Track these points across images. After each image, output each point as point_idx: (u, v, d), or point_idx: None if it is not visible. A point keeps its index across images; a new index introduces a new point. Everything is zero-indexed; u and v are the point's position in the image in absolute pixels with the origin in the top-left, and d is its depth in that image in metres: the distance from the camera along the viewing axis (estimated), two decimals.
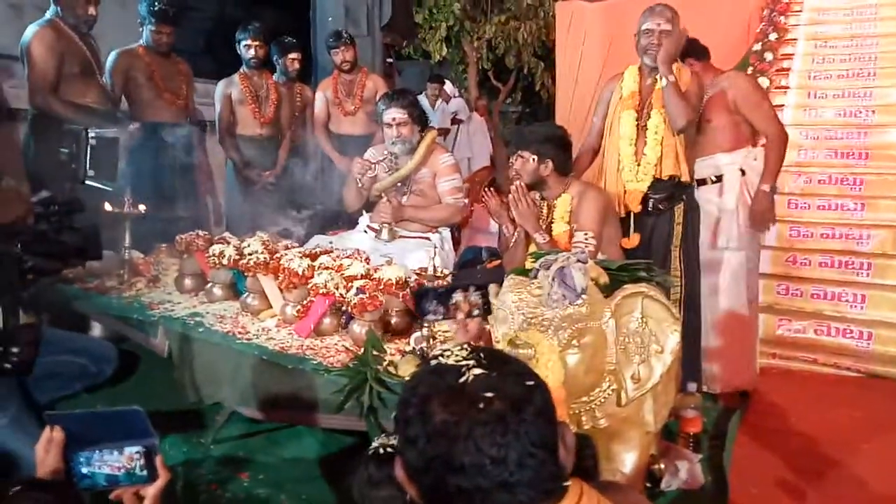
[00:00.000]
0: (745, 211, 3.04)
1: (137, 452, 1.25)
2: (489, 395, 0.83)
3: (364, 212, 3.45)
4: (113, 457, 1.25)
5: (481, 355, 0.89)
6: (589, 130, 3.15)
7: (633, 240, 2.85)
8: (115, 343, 2.84)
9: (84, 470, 1.26)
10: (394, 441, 1.54)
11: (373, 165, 3.19)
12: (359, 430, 2.25)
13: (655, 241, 2.88)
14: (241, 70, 4.14)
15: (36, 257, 2.16)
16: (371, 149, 3.45)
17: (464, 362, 0.87)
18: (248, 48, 4.05)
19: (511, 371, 0.88)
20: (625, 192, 2.87)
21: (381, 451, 1.51)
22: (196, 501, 2.21)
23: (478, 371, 0.85)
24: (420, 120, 3.15)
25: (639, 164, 2.83)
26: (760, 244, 3.24)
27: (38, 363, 2.42)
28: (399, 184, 3.24)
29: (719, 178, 3.04)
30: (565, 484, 0.86)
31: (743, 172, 3.06)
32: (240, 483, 2.30)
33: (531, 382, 0.87)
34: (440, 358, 0.91)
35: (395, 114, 3.11)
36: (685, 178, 2.87)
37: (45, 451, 1.23)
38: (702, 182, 3.04)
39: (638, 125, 2.85)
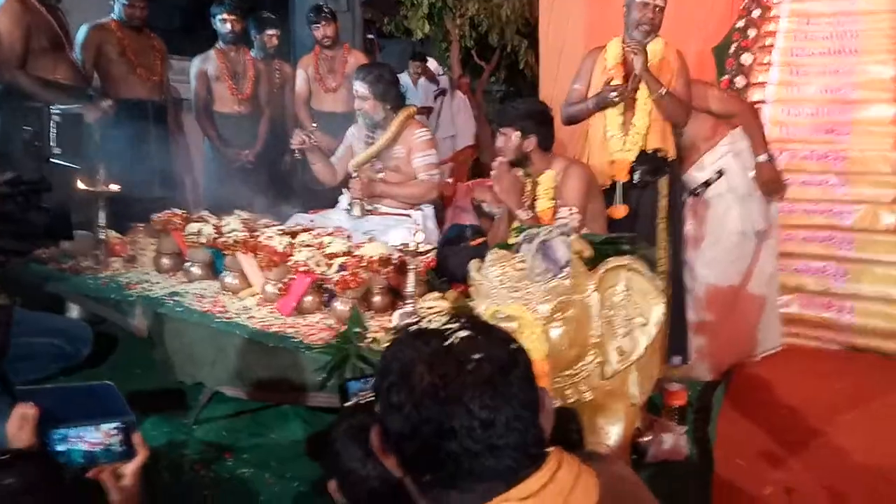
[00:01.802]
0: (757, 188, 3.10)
1: (115, 429, 1.23)
2: (477, 356, 0.81)
3: (344, 190, 3.41)
4: (90, 433, 1.23)
5: (463, 320, 0.86)
6: (568, 97, 3.07)
7: (621, 210, 2.84)
8: (93, 325, 2.79)
9: (60, 447, 1.24)
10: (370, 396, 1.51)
11: (307, 139, 3.17)
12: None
13: (641, 214, 2.87)
14: (217, 45, 4.04)
15: (2, 238, 2.11)
16: (353, 126, 3.40)
17: (447, 326, 0.85)
18: (223, 22, 3.96)
19: (495, 334, 0.87)
20: (611, 161, 2.84)
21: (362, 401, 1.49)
22: (179, 482, 2.18)
23: (463, 334, 0.83)
24: (385, 97, 3.09)
25: (626, 135, 2.81)
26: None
27: (12, 344, 2.38)
28: (374, 160, 3.20)
29: (721, 173, 3.07)
30: (547, 450, 0.85)
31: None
32: (224, 463, 2.28)
33: (515, 346, 0.86)
34: (420, 324, 0.88)
35: (356, 87, 3.11)
36: (671, 153, 2.87)
37: (18, 428, 1.20)
38: (707, 183, 3.09)
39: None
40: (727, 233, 3.06)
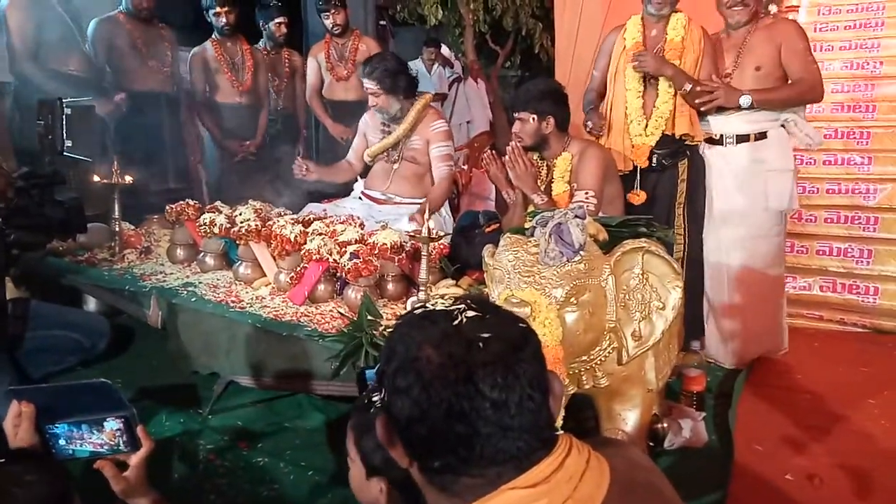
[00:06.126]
0: (796, 171, 2.92)
1: (119, 429, 1.23)
2: (486, 335, 0.78)
3: (359, 178, 3.39)
4: (94, 436, 1.24)
5: (470, 301, 0.84)
6: (588, 84, 3.04)
7: (641, 196, 2.78)
8: (110, 317, 2.82)
9: (62, 442, 1.24)
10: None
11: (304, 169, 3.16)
12: (357, 396, 2.22)
13: (659, 198, 2.81)
14: (214, 37, 3.98)
15: (19, 231, 2.12)
16: (366, 114, 3.37)
17: (454, 307, 0.83)
18: (217, 16, 3.89)
19: (504, 314, 0.85)
20: (632, 146, 2.78)
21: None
22: (194, 472, 2.18)
23: (471, 313, 0.81)
24: (395, 89, 3.00)
25: (647, 118, 2.75)
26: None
27: (30, 337, 2.42)
28: (390, 150, 3.17)
29: (762, 136, 2.84)
30: (557, 434, 0.82)
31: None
32: (238, 452, 2.28)
33: (524, 325, 0.84)
34: (427, 307, 0.86)
35: (366, 84, 3.03)
36: (699, 138, 2.80)
37: (14, 427, 1.20)
38: (743, 138, 2.85)
39: (644, 77, 2.76)
40: (758, 209, 2.88)
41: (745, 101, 2.71)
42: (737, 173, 2.88)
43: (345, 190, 3.46)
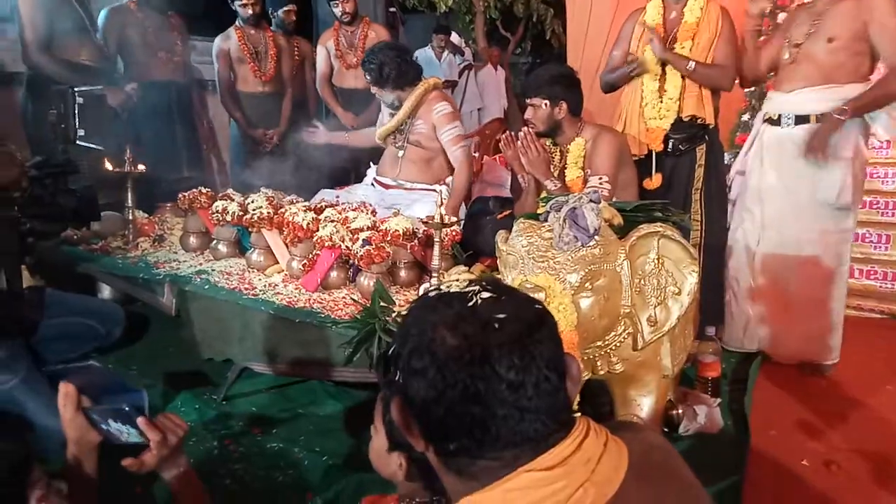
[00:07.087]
0: (861, 161, 2.60)
1: (117, 430, 1.24)
2: (501, 316, 0.77)
3: (371, 164, 3.38)
4: (105, 428, 1.26)
5: (484, 283, 0.83)
6: (606, 63, 2.99)
7: (656, 181, 2.74)
8: (124, 305, 2.84)
9: (103, 427, 1.26)
10: None
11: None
12: (369, 382, 2.22)
13: (675, 183, 2.78)
14: (237, 24, 3.98)
15: (33, 220, 2.14)
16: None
17: (468, 289, 0.82)
18: (244, 7, 3.89)
19: (519, 295, 0.84)
20: (646, 130, 2.76)
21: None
22: (209, 457, 2.20)
23: (486, 295, 0.80)
24: (383, 82, 2.98)
25: (660, 102, 2.72)
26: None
27: (47, 325, 2.44)
28: (397, 134, 3.16)
29: (823, 118, 2.55)
30: (574, 416, 0.81)
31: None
32: (253, 438, 2.29)
33: (539, 306, 0.83)
34: (441, 289, 0.85)
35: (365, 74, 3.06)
36: (709, 119, 2.75)
37: (63, 406, 1.25)
38: (802, 119, 2.60)
39: (662, 61, 2.73)
40: (801, 196, 2.66)
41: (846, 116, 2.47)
42: (789, 157, 2.64)
43: (357, 177, 3.46)
